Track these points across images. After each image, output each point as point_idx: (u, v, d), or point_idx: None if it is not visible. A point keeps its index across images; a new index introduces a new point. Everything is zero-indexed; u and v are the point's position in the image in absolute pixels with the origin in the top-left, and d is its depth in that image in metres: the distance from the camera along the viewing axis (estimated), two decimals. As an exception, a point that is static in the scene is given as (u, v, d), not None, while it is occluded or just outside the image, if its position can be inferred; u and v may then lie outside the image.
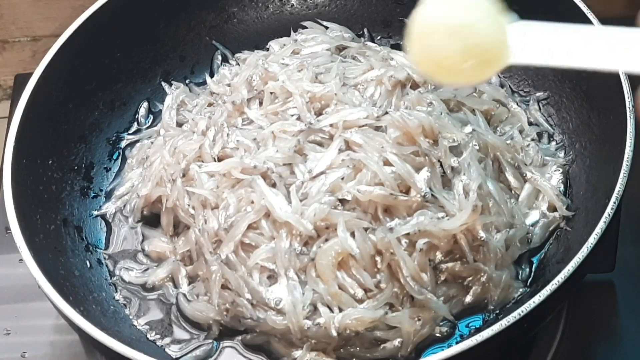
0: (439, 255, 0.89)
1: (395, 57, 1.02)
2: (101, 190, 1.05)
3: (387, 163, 0.90)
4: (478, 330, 0.88)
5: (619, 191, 0.84)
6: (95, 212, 1.03)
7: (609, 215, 0.83)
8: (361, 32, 1.15)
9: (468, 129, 0.95)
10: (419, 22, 0.58)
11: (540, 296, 0.78)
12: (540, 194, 0.96)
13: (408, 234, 0.87)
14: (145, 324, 0.94)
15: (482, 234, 0.89)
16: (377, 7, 1.16)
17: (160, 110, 1.10)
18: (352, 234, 0.87)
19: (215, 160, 0.96)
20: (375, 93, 0.98)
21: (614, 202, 0.83)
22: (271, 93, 1.00)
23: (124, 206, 1.02)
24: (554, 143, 1.01)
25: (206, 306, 0.91)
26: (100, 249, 1.00)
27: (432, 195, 0.89)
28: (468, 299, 0.90)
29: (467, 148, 0.93)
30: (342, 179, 0.89)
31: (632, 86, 0.90)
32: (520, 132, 1.01)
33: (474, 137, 0.94)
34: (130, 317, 0.94)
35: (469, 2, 0.58)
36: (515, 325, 0.78)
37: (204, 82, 1.12)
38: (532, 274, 0.92)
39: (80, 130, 1.06)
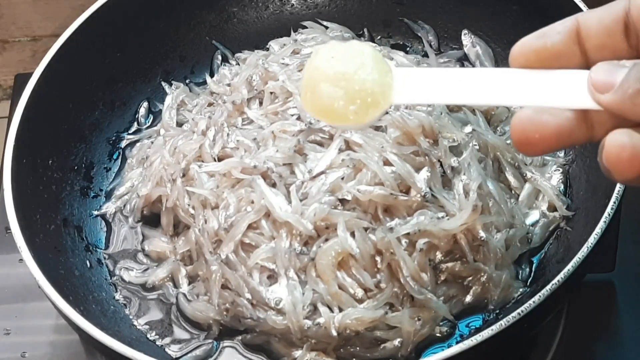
0: (439, 255, 0.89)
1: (395, 57, 1.02)
2: (101, 190, 1.05)
3: (387, 163, 0.90)
4: (478, 330, 0.87)
5: (619, 191, 0.84)
6: (95, 212, 1.03)
7: (609, 215, 0.83)
8: (361, 32, 1.15)
9: (468, 129, 0.95)
10: (307, 73, 0.65)
11: (540, 296, 0.78)
12: (540, 194, 0.96)
13: (408, 233, 0.87)
14: (145, 323, 0.94)
15: (482, 233, 0.89)
16: (377, 7, 1.16)
17: (160, 110, 1.09)
18: (352, 234, 0.87)
19: (215, 160, 0.96)
20: (375, 93, 0.98)
21: (614, 202, 0.83)
22: (271, 93, 1.00)
23: (124, 206, 1.02)
24: (554, 143, 1.01)
25: (206, 306, 0.91)
26: (100, 248, 1.00)
27: (432, 195, 0.89)
28: (468, 298, 0.90)
29: (467, 148, 0.93)
30: (342, 178, 0.89)
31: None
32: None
33: (474, 137, 0.94)
34: (130, 317, 0.94)
35: (352, 52, 0.64)
36: (515, 325, 0.78)
37: (204, 82, 1.12)
38: (532, 274, 0.92)
39: (80, 130, 1.06)
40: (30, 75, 1.00)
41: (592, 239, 0.81)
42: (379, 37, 1.15)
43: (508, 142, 0.99)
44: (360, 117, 0.62)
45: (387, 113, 0.93)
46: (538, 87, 0.58)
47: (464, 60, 1.10)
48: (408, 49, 1.13)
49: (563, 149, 0.94)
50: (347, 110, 0.62)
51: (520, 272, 0.92)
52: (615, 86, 0.55)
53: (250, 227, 0.90)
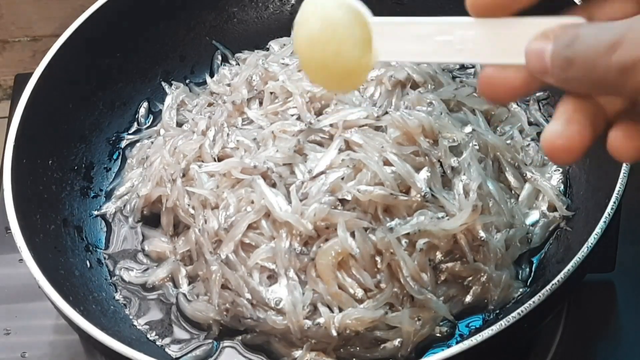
0: (439, 255, 0.89)
1: (395, 57, 1.02)
2: (101, 190, 1.05)
3: (387, 163, 0.90)
4: (478, 330, 0.87)
5: (619, 191, 0.84)
6: (95, 212, 1.03)
7: (609, 215, 0.83)
8: (361, 32, 1.15)
9: (468, 129, 0.95)
10: (297, 54, 0.70)
11: (540, 296, 0.78)
12: (541, 194, 0.96)
13: (408, 233, 0.87)
14: (145, 324, 0.94)
15: (482, 233, 0.89)
16: (377, 7, 1.15)
17: (160, 110, 1.10)
18: (352, 234, 0.87)
19: (215, 160, 0.96)
20: (375, 93, 0.98)
21: (614, 202, 0.83)
22: (271, 93, 1.00)
23: (124, 206, 1.02)
24: (554, 143, 1.01)
25: (206, 306, 0.91)
26: (100, 248, 1.00)
27: (432, 195, 0.89)
28: (468, 298, 0.90)
29: (467, 148, 0.93)
30: (342, 179, 0.89)
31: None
32: (520, 132, 1.01)
33: (474, 137, 0.94)
34: (130, 317, 0.94)
35: (327, 29, 0.67)
36: (515, 325, 0.78)
37: (204, 82, 1.12)
38: (532, 274, 0.92)
39: (80, 130, 1.06)
40: (30, 75, 1.00)
41: (592, 239, 0.81)
42: (379, 37, 1.15)
43: (508, 142, 0.99)
44: (352, 86, 0.72)
45: (386, 113, 0.94)
46: (500, 44, 0.60)
47: (464, 61, 1.10)
48: (408, 49, 1.13)
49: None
50: (338, 85, 0.70)
51: (520, 272, 0.92)
52: (548, 68, 0.56)
53: (250, 227, 0.90)
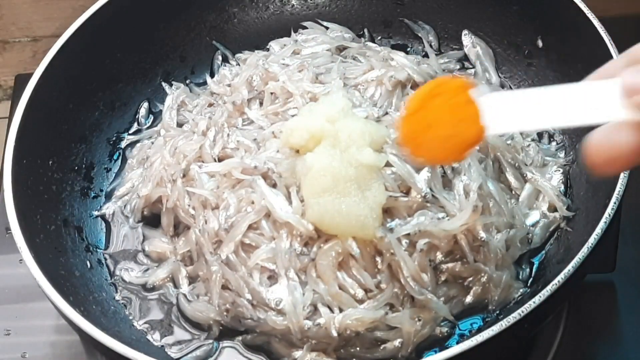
0: (439, 256, 0.89)
1: (395, 57, 1.02)
2: (101, 191, 1.05)
3: (387, 164, 0.90)
4: (478, 330, 0.88)
5: (619, 191, 0.84)
6: (96, 212, 1.03)
7: (609, 215, 0.83)
8: (361, 32, 1.15)
9: (468, 129, 0.95)
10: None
11: (540, 296, 0.78)
12: (541, 194, 0.96)
13: (408, 234, 0.87)
14: (146, 324, 0.94)
15: (482, 234, 0.89)
16: (377, 7, 1.16)
17: (161, 111, 1.09)
18: (353, 234, 0.87)
19: (215, 161, 0.96)
20: (375, 93, 0.98)
21: (614, 203, 0.83)
22: (271, 93, 1.00)
23: (124, 206, 1.02)
24: (554, 143, 1.01)
25: (206, 306, 0.91)
26: (101, 249, 1.00)
27: (432, 195, 0.89)
28: (468, 299, 0.90)
29: (467, 148, 0.93)
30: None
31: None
32: (521, 132, 1.01)
33: (474, 138, 0.94)
34: (131, 317, 0.94)
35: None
36: (516, 326, 0.78)
37: (205, 83, 1.12)
38: (533, 275, 0.92)
39: (80, 131, 1.06)
40: (30, 75, 1.00)
41: (592, 240, 0.81)
42: (379, 37, 1.15)
43: (508, 142, 0.99)
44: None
45: (386, 113, 0.94)
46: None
47: (464, 61, 1.10)
48: (408, 49, 1.13)
49: None
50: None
51: (521, 272, 0.92)
52: None
53: (250, 227, 0.90)
